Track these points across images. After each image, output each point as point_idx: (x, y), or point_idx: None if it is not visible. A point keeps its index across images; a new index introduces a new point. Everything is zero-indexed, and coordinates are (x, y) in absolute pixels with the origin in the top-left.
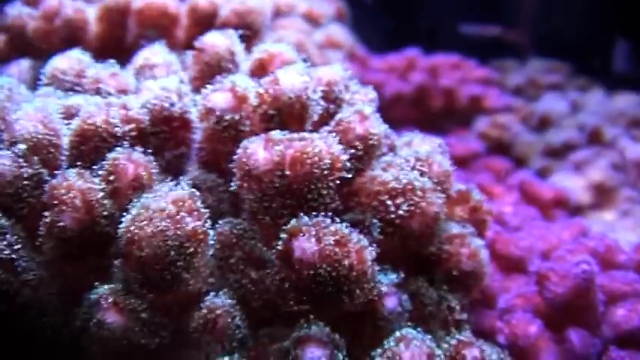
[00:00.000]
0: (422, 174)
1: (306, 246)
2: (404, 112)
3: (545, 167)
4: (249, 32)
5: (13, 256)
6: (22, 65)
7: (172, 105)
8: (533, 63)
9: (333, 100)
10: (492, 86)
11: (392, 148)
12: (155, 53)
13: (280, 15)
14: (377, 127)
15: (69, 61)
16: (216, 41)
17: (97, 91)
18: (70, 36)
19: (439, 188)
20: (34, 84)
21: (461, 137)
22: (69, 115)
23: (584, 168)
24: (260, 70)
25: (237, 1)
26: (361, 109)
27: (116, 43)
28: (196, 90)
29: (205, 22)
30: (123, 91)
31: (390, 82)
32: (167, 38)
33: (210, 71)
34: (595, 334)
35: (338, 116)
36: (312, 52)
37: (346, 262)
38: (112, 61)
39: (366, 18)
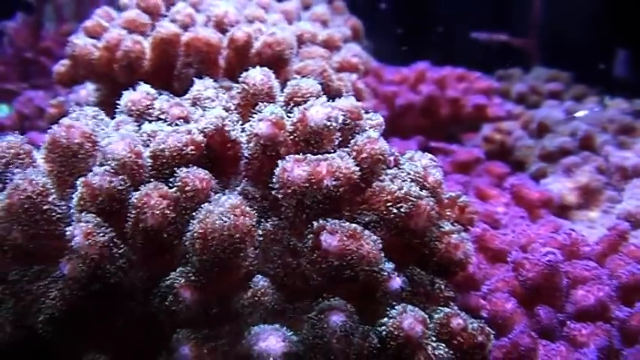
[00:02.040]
0: (419, 184)
1: (329, 240)
2: (415, 120)
3: (541, 170)
4: (279, 61)
5: (112, 246)
6: (89, 88)
7: (224, 131)
8: (536, 71)
9: (349, 126)
10: (495, 95)
11: (396, 163)
12: (207, 87)
13: (304, 43)
14: (383, 147)
15: (139, 93)
16: (257, 77)
17: (163, 119)
18: (129, 64)
19: (433, 195)
20: (100, 105)
21: (469, 141)
22: (146, 139)
23: (573, 171)
24: (292, 101)
25: (269, 33)
26: (370, 134)
27: (167, 69)
28: (241, 116)
29: (242, 51)
30: (183, 119)
31: (402, 93)
32: (210, 65)
33: (253, 101)
34: (560, 311)
35: (353, 140)
36: (332, 77)
37: (359, 252)
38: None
39: (378, 25)
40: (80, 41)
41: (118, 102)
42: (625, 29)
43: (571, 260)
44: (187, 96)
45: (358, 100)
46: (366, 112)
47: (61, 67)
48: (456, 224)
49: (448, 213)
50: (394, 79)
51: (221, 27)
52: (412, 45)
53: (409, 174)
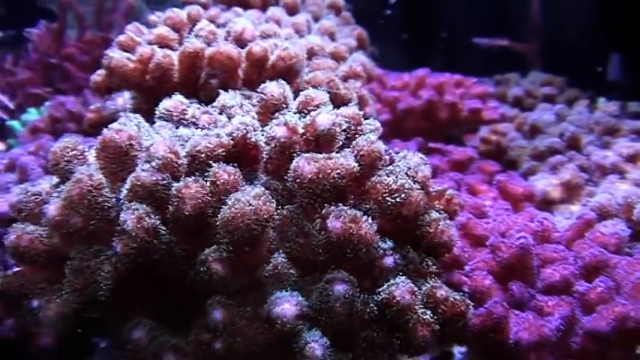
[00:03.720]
0: (411, 178)
1: (334, 223)
2: (416, 123)
3: (532, 168)
4: (291, 72)
5: (157, 229)
6: (125, 96)
7: (248, 134)
8: (532, 76)
9: (351, 130)
10: (490, 100)
11: (392, 161)
12: (232, 97)
13: (314, 55)
14: (380, 148)
15: (174, 102)
16: (274, 89)
17: (195, 124)
18: (160, 75)
19: (422, 188)
20: (135, 111)
21: (469, 141)
22: (181, 141)
23: (558, 169)
24: (304, 108)
25: (282, 48)
26: (369, 137)
27: (193, 79)
28: (261, 122)
29: (259, 64)
30: (212, 124)
31: (404, 98)
32: (231, 76)
33: (270, 109)
34: (531, 287)
35: (354, 142)
36: (338, 86)
37: (358, 233)
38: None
39: (384, 31)
40: (116, 54)
41: (150, 108)
42: (618, 35)
43: (542, 244)
44: (215, 104)
45: (362, 105)
46: (367, 118)
47: (97, 76)
48: (442, 212)
49: (436, 203)
50: (396, 84)
51: (240, 42)
52: (416, 50)
53: (402, 170)
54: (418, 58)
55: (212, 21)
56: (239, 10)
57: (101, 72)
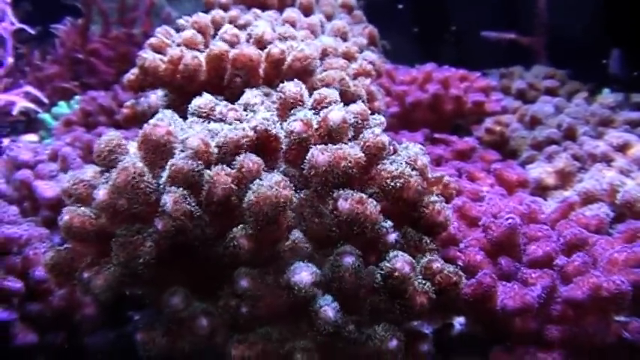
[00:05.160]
0: (411, 166)
1: (343, 204)
2: (423, 115)
3: (530, 157)
4: (306, 72)
5: (192, 210)
6: (159, 94)
7: (269, 128)
8: (535, 69)
9: (359, 124)
10: (493, 93)
11: (395, 151)
12: (254, 95)
13: (327, 55)
14: (384, 140)
15: (204, 100)
16: (291, 88)
17: (223, 119)
18: (189, 75)
19: (420, 174)
20: (166, 107)
21: (476, 131)
22: (212, 134)
23: (554, 158)
24: (318, 105)
25: (298, 49)
26: (374, 130)
27: (218, 78)
28: (280, 117)
29: (277, 64)
30: (238, 119)
31: (412, 92)
32: (252, 75)
33: (288, 106)
34: (518, 261)
35: (361, 134)
36: (349, 83)
37: (364, 212)
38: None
39: (396, 25)
40: (149, 56)
41: (180, 105)
42: (619, 30)
43: (529, 224)
44: (240, 102)
45: (371, 100)
46: (373, 114)
47: (131, 75)
48: (439, 196)
49: (434, 188)
50: (405, 79)
51: (260, 44)
52: (427, 43)
53: (403, 159)
54: (429, 50)
55: (233, 22)
56: (258, 11)
57: (134, 71)
